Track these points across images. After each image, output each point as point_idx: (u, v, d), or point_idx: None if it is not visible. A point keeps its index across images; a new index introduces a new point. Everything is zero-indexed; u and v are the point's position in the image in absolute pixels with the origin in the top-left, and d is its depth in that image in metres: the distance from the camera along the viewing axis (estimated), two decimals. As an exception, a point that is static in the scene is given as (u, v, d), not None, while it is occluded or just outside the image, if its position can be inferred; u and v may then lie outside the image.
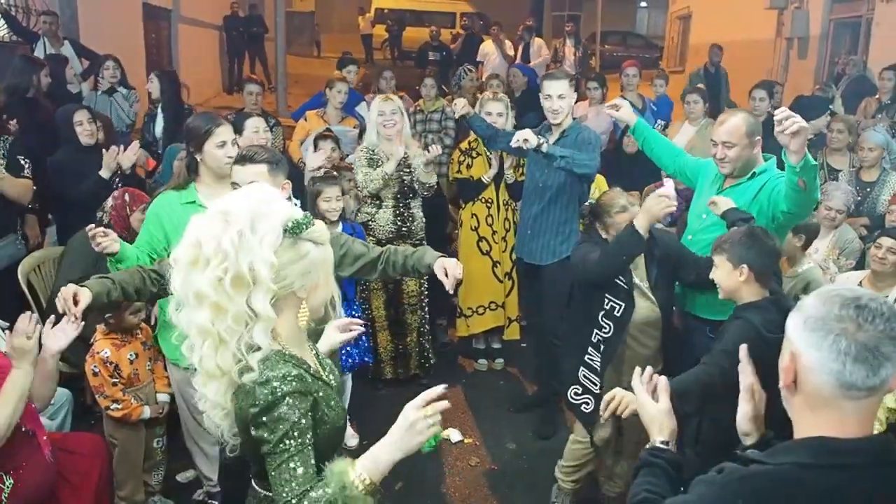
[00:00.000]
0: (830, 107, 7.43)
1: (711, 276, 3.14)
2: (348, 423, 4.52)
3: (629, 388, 3.48)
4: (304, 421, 1.79)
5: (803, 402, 1.50)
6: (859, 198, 5.40)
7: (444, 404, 1.90)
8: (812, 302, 1.48)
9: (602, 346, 3.61)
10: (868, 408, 1.46)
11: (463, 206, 5.49)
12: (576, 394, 3.71)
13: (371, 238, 5.03)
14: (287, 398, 1.77)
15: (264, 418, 1.77)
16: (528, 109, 6.98)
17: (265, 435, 1.77)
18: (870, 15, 9.95)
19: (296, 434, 1.77)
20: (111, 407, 3.63)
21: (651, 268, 3.62)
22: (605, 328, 3.59)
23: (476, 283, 5.35)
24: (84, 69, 8.29)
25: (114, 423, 3.71)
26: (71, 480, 3.18)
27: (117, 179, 5.12)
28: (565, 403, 3.90)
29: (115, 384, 3.63)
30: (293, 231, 1.83)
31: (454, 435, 4.56)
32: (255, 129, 4.56)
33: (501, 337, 5.67)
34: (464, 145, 5.50)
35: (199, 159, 3.47)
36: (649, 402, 2.04)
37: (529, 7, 23.00)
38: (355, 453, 4.59)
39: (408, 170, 5.02)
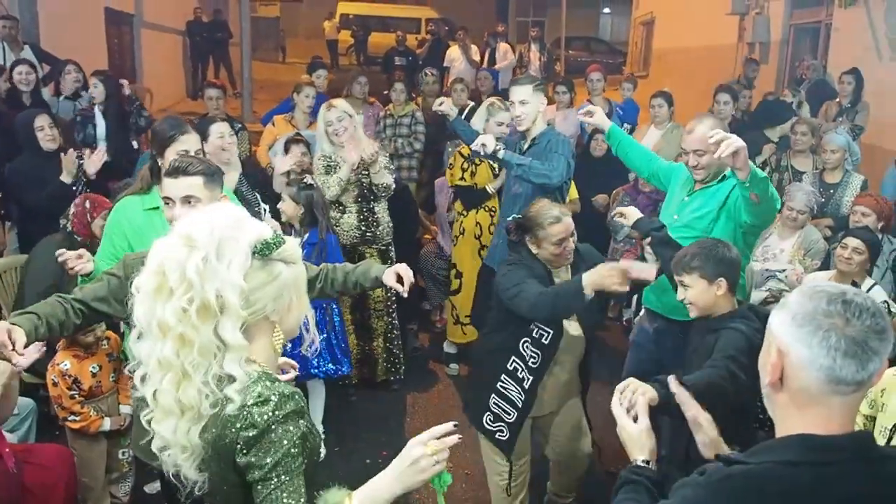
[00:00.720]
0: (798, 111, 7.57)
1: (682, 296, 3.04)
2: (321, 434, 4.53)
3: (548, 417, 3.58)
4: (297, 446, 1.68)
5: (789, 400, 1.50)
6: (822, 199, 5.48)
7: (454, 440, 1.79)
8: (797, 299, 1.49)
9: (524, 376, 3.40)
10: (853, 404, 1.48)
11: (465, 213, 5.41)
12: (490, 420, 3.51)
13: None
14: (287, 420, 1.67)
15: (260, 442, 1.64)
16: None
17: (256, 460, 1.65)
18: (829, 20, 10.13)
19: (290, 460, 1.67)
20: (69, 418, 3.58)
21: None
22: (533, 358, 3.38)
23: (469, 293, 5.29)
24: (44, 74, 8.14)
25: (73, 435, 3.66)
26: (36, 493, 3.11)
27: (80, 185, 5.06)
28: (477, 429, 3.61)
29: (72, 397, 3.58)
30: (262, 252, 1.72)
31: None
32: (221, 135, 4.50)
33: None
34: (466, 151, 5.35)
35: (160, 163, 3.31)
36: (629, 422, 2.00)
37: (495, 12, 23.20)
38: (327, 462, 4.57)
39: (366, 173, 4.97)
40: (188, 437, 1.69)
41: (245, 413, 1.65)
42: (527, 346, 3.37)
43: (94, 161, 5.01)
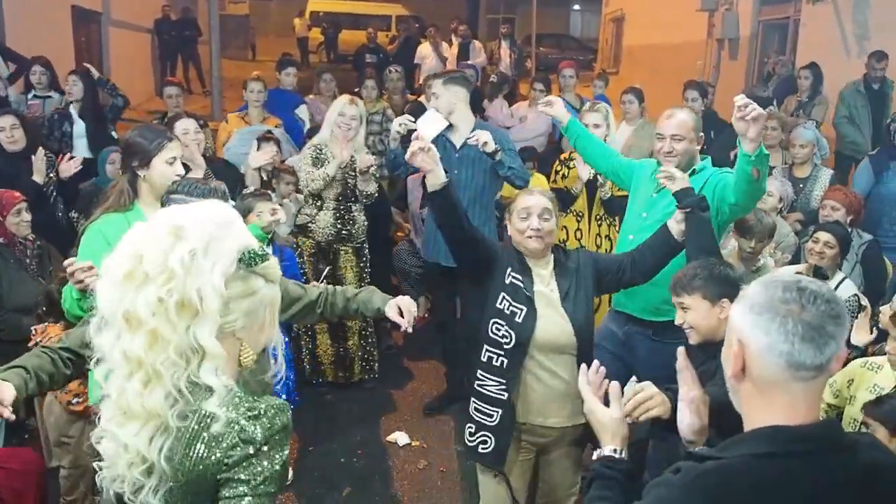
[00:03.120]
0: (772, 107, 7.65)
1: (681, 320, 2.81)
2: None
3: (542, 432, 3.13)
4: (284, 466, 1.59)
5: (753, 389, 1.52)
6: (793, 193, 5.54)
7: None
8: (755, 290, 1.52)
9: (500, 361, 3.05)
10: (815, 390, 1.50)
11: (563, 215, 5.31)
12: (470, 434, 3.15)
13: (310, 240, 4.99)
14: (279, 436, 1.57)
15: (251, 459, 1.53)
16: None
17: (242, 475, 1.53)
18: (797, 16, 10.25)
19: (273, 480, 1.56)
20: (72, 402, 3.50)
21: (563, 280, 3.16)
22: (506, 338, 3.03)
23: None
24: (11, 72, 8.02)
25: (70, 420, 3.58)
26: (6, 499, 3.06)
27: (52, 185, 5.01)
28: (465, 451, 3.31)
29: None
30: (248, 262, 1.62)
31: (401, 438, 4.60)
32: (185, 131, 4.47)
33: None
34: (563, 156, 5.38)
35: (142, 176, 3.16)
36: (600, 407, 1.95)
37: (466, 10, 23.20)
38: (303, 463, 4.56)
39: (353, 173, 4.96)
40: (149, 447, 1.53)
41: (237, 428, 1.53)
42: (497, 327, 3.04)
43: (67, 168, 4.99)
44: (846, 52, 8.77)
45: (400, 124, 4.62)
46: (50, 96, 6.94)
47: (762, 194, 3.53)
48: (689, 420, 1.88)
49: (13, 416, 2.19)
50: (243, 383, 1.74)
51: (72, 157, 5.30)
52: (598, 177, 4.94)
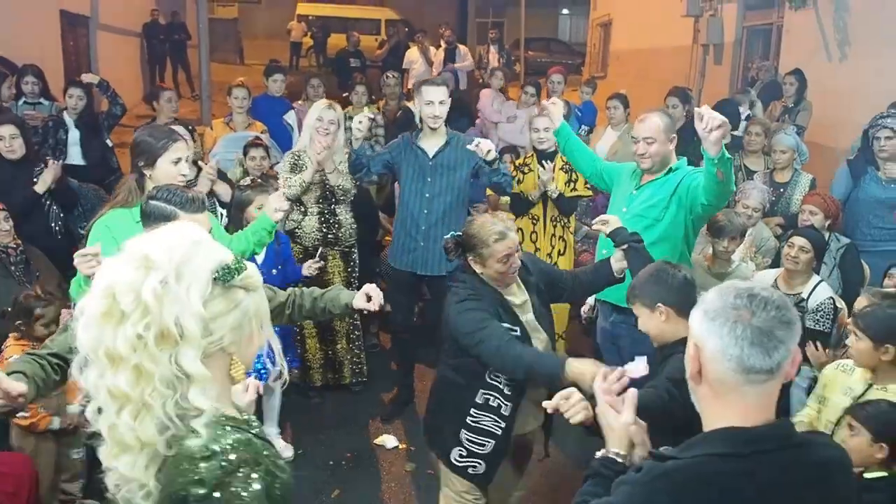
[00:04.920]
0: (750, 112, 7.75)
1: (640, 327, 2.90)
2: (279, 436, 4.55)
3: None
4: (257, 499, 1.52)
5: (709, 391, 1.61)
6: (773, 198, 5.64)
7: None
8: (710, 296, 1.60)
9: (499, 403, 3.10)
10: (768, 392, 1.58)
11: (514, 219, 5.44)
12: (460, 456, 3.18)
13: (298, 246, 5.03)
14: (239, 470, 1.51)
15: (210, 500, 1.48)
16: (457, 113, 7.08)
17: None
18: (780, 22, 10.37)
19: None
20: (17, 415, 3.52)
21: (532, 295, 3.25)
22: (509, 385, 3.08)
23: None
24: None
25: (21, 433, 3.63)
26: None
27: (46, 195, 5.07)
28: (444, 464, 3.29)
29: None
30: (224, 278, 1.58)
31: (389, 441, 4.66)
32: None
33: None
34: (518, 161, 5.53)
35: (148, 175, 3.24)
36: (610, 411, 1.98)
37: (455, 14, 23.30)
38: (291, 465, 4.59)
39: (341, 174, 5.00)
40: (146, 473, 1.53)
41: (193, 467, 1.49)
42: (496, 376, 3.08)
43: (47, 179, 5.03)
44: (828, 58, 8.87)
45: (360, 122, 4.59)
46: (41, 103, 6.96)
47: (730, 194, 3.74)
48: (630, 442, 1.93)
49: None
50: None
51: (57, 164, 5.30)
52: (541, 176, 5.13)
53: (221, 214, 4.74)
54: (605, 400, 1.99)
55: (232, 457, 1.51)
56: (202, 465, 1.48)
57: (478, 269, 3.11)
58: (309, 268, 4.58)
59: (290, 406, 4.75)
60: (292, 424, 4.72)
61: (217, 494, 1.48)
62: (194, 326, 1.52)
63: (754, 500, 1.53)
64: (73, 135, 6.48)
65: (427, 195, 4.66)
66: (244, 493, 1.50)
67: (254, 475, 1.53)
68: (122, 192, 3.30)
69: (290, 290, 2.96)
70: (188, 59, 15.58)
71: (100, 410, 1.54)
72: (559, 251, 5.31)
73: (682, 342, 2.72)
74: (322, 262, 4.74)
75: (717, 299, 1.58)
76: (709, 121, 3.20)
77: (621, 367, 2.36)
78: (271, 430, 4.57)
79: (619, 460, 1.89)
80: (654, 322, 2.80)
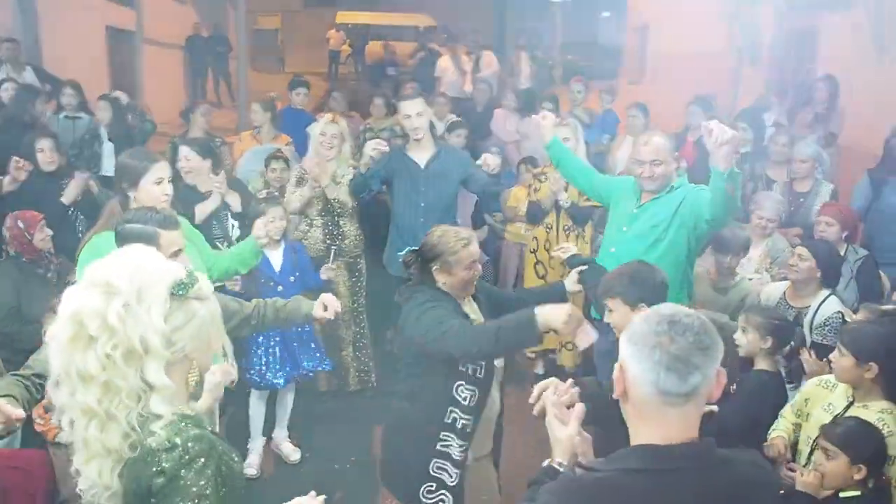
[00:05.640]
0: (776, 118, 7.68)
1: (607, 320, 3.03)
2: (288, 439, 4.70)
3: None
4: (208, 489, 1.71)
5: (633, 410, 1.69)
6: (792, 208, 5.61)
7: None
8: (637, 321, 1.68)
9: (463, 423, 3.05)
10: (688, 414, 1.65)
11: (532, 228, 5.69)
12: (429, 492, 3.08)
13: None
14: (195, 462, 1.70)
15: (169, 488, 1.68)
16: (476, 136, 7.20)
17: (176, 500, 1.69)
18: (816, 25, 10.22)
19: (204, 501, 1.70)
20: (36, 420, 3.67)
21: (484, 314, 3.23)
22: (470, 398, 3.04)
23: None
24: (46, 93, 8.35)
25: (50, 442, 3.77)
26: (17, 496, 3.20)
27: (73, 207, 5.29)
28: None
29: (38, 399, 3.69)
30: (179, 292, 1.76)
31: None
32: (187, 158, 4.77)
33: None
34: (537, 170, 5.68)
35: (132, 197, 3.37)
36: (558, 424, 2.06)
37: (493, 19, 23.25)
38: (297, 468, 4.72)
39: (338, 187, 5.09)
40: (111, 477, 1.72)
41: (155, 459, 1.68)
42: (461, 389, 3.03)
43: (69, 192, 5.25)
44: (865, 62, 8.73)
45: (373, 149, 4.81)
46: (80, 117, 7.24)
47: (737, 209, 3.71)
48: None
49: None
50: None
51: (87, 179, 5.54)
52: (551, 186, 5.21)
53: (233, 225, 4.89)
54: (552, 412, 2.08)
55: (191, 450, 1.70)
56: (164, 456, 1.68)
57: (441, 278, 3.07)
58: (326, 271, 4.69)
59: (300, 412, 4.89)
60: (299, 429, 4.86)
61: (175, 483, 1.67)
62: (157, 341, 1.70)
63: None
64: (108, 147, 6.75)
65: (422, 204, 4.80)
66: (200, 481, 1.69)
67: (208, 467, 1.71)
68: (104, 216, 3.44)
69: (255, 301, 3.11)
70: (230, 70, 15.91)
71: (72, 423, 1.72)
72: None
73: None
74: (335, 267, 4.86)
75: (641, 324, 1.65)
76: (718, 135, 3.22)
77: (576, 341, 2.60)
78: (281, 434, 4.73)
79: (561, 470, 1.97)
80: (629, 319, 2.77)
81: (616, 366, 1.69)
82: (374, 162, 4.83)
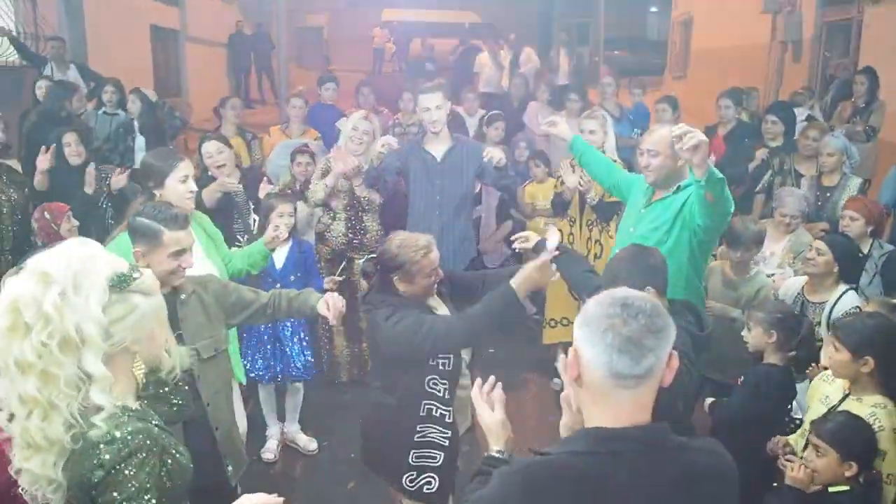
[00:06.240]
0: (811, 113, 7.52)
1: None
2: (301, 432, 4.76)
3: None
4: (149, 482, 1.73)
5: (587, 394, 1.67)
6: (820, 203, 5.49)
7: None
8: (590, 304, 1.67)
9: (441, 412, 3.14)
10: (640, 397, 1.64)
11: (556, 221, 5.64)
12: (411, 480, 3.15)
13: (326, 248, 5.22)
14: (135, 456, 1.71)
15: (109, 481, 1.69)
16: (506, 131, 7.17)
17: (107, 498, 1.71)
18: (859, 17, 9.98)
19: (140, 495, 1.71)
20: None
21: (447, 304, 3.30)
22: (443, 390, 3.14)
23: (554, 297, 5.44)
24: (89, 90, 8.60)
25: None
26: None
27: (104, 197, 5.45)
28: (396, 490, 3.25)
29: None
30: (119, 285, 1.77)
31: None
32: (209, 155, 4.82)
33: None
34: (565, 162, 5.60)
35: (158, 196, 3.44)
36: (487, 411, 2.09)
37: (539, 15, 23.17)
38: (315, 457, 4.75)
39: (359, 186, 5.14)
40: (55, 469, 1.72)
41: (95, 452, 1.70)
42: (434, 383, 3.11)
43: (117, 181, 5.41)
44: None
45: (383, 145, 4.87)
46: (118, 114, 7.44)
47: (727, 215, 3.52)
48: (564, 418, 1.98)
49: None
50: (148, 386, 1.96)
51: (127, 170, 5.72)
52: (582, 183, 5.11)
53: (254, 220, 4.97)
54: (478, 401, 2.11)
55: (131, 442, 1.71)
56: (104, 448, 1.69)
57: (402, 287, 3.09)
58: (330, 282, 4.65)
59: (319, 402, 4.96)
60: (320, 420, 4.91)
61: (114, 477, 1.69)
62: (94, 332, 1.71)
63: (610, 498, 1.59)
64: (139, 141, 6.96)
65: (438, 197, 4.81)
66: (141, 475, 1.71)
67: (148, 461, 1.73)
68: (129, 215, 3.47)
69: (271, 291, 3.19)
70: (273, 67, 16.12)
71: (11, 418, 1.73)
72: (595, 254, 5.28)
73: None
74: (341, 279, 4.85)
75: (594, 307, 1.64)
76: (687, 140, 3.12)
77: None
78: (293, 427, 4.80)
79: (499, 456, 1.99)
80: None
81: (570, 350, 1.69)
82: (385, 157, 4.85)
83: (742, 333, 3.69)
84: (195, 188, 3.54)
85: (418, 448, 3.14)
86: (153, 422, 1.85)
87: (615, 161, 4.90)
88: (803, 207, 5.02)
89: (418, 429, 3.12)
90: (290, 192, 4.96)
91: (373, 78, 17.66)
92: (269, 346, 4.56)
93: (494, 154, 4.54)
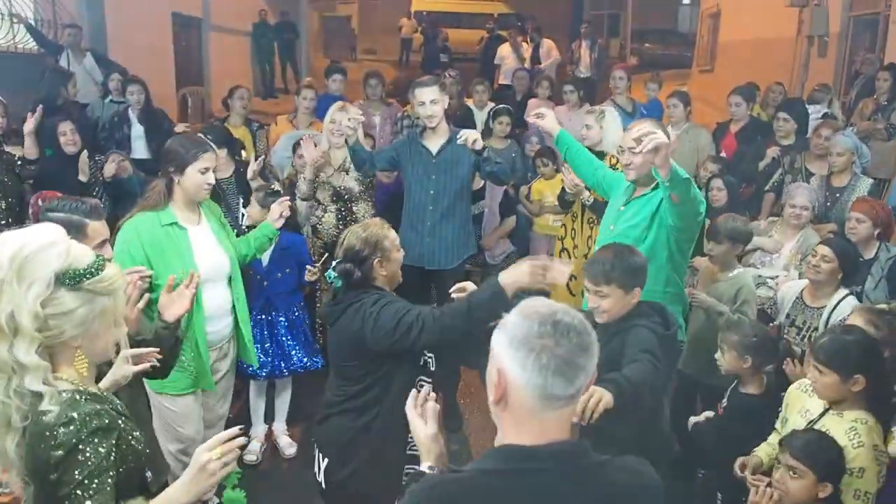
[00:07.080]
0: (828, 111, 7.33)
1: (595, 305, 2.98)
2: (286, 433, 4.73)
3: None
4: (106, 461, 1.75)
5: (510, 416, 1.59)
6: (829, 203, 5.35)
7: (239, 442, 1.89)
8: (514, 320, 1.57)
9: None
10: (564, 416, 1.57)
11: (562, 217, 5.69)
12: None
13: (319, 241, 5.20)
14: (92, 437, 1.73)
15: (67, 460, 1.71)
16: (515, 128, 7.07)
17: (66, 477, 1.72)
18: (887, 12, 9.71)
19: (98, 474, 1.73)
20: None
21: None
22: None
23: (554, 290, 5.31)
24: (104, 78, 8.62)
25: None
26: None
27: (98, 185, 5.46)
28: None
29: None
30: (70, 282, 1.77)
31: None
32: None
33: None
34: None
35: (176, 181, 3.45)
36: (420, 425, 2.01)
37: (571, 6, 22.92)
38: (308, 451, 4.69)
39: (345, 174, 5.12)
40: (3, 446, 1.75)
41: (52, 433, 1.71)
42: (422, 384, 2.97)
43: (109, 169, 5.42)
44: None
45: (350, 119, 4.75)
46: (124, 101, 7.43)
47: (697, 215, 3.48)
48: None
49: None
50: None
51: (123, 160, 5.72)
52: (578, 181, 4.97)
53: (243, 215, 4.95)
54: (412, 414, 2.04)
55: (88, 423, 1.73)
56: (61, 430, 1.71)
57: (382, 270, 3.02)
58: (309, 274, 4.50)
59: (314, 399, 4.88)
60: (315, 411, 4.89)
61: (73, 456, 1.70)
62: (28, 322, 1.71)
63: None
64: (137, 129, 6.94)
65: (432, 192, 4.73)
66: (94, 457, 1.73)
67: (104, 441, 1.75)
68: (153, 196, 3.51)
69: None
70: (297, 56, 16.10)
71: None
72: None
73: (630, 317, 2.95)
74: (319, 272, 4.76)
75: (521, 325, 1.55)
76: (646, 143, 3.08)
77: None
78: (280, 427, 4.77)
79: (429, 472, 1.91)
80: (625, 303, 2.96)
81: (493, 370, 1.59)
82: (350, 133, 4.73)
83: (715, 356, 3.60)
84: (213, 181, 3.53)
85: (409, 462, 2.99)
86: (110, 406, 1.86)
87: (613, 157, 4.80)
88: (814, 200, 4.90)
89: (410, 438, 2.85)
90: (277, 190, 4.88)
91: (399, 68, 17.63)
92: (268, 342, 4.53)
93: (469, 136, 4.42)
